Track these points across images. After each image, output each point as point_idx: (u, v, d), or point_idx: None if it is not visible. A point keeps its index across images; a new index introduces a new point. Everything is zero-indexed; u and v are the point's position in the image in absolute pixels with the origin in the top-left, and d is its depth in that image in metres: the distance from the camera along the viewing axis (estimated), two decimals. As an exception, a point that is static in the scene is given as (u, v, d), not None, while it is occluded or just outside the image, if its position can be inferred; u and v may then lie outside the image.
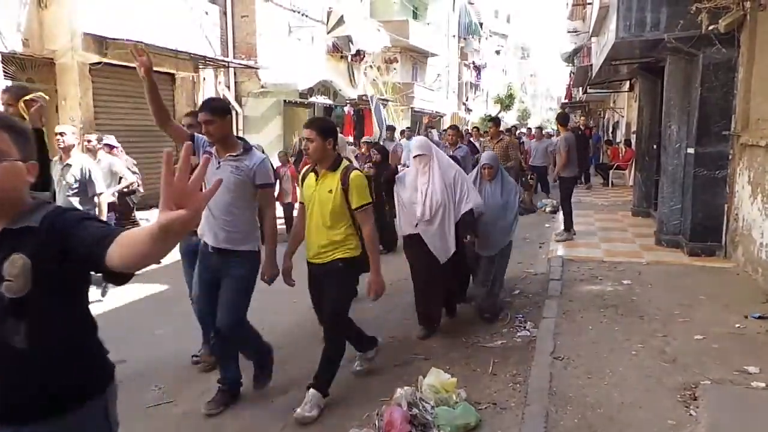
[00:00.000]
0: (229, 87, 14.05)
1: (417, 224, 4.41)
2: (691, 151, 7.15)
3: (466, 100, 38.16)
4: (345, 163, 3.47)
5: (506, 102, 42.66)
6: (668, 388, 3.55)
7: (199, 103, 12.55)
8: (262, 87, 14.31)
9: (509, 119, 43.19)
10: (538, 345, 4.31)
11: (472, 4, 37.46)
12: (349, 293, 3.57)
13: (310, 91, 16.12)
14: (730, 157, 6.83)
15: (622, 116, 18.06)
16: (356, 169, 3.47)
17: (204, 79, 12.95)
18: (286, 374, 3.88)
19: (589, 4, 15.13)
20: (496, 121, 9.78)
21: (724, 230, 6.95)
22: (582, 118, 16.77)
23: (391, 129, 13.76)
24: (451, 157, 5.38)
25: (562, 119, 9.36)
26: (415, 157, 4.43)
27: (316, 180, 3.43)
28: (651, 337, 4.41)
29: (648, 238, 8.07)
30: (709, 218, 7.00)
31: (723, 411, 3.25)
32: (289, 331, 4.73)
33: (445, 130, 11.43)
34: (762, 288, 5.59)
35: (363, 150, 9.31)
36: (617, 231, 8.92)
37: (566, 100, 31.53)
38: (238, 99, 14.27)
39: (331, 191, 3.34)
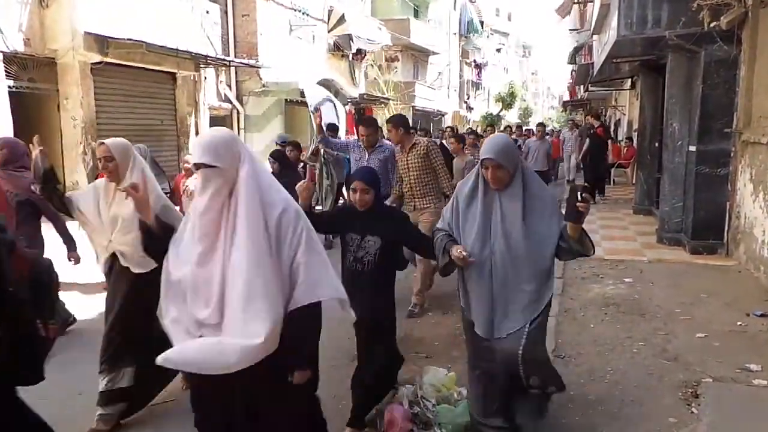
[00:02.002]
0: (230, 86, 14.05)
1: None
2: (692, 148, 7.15)
3: (468, 99, 38.12)
4: None
5: (508, 100, 42.59)
6: (670, 385, 3.56)
7: (201, 102, 12.66)
8: (264, 86, 14.30)
9: (511, 117, 43.18)
10: (539, 343, 4.30)
11: (474, 2, 37.40)
12: None
13: (311, 90, 16.12)
14: (731, 154, 6.82)
15: (624, 114, 18.04)
16: None
17: (205, 78, 12.95)
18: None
19: (590, 2, 15.10)
20: (397, 120, 5.32)
21: (725, 228, 6.94)
22: (591, 117, 15.48)
23: (333, 129, 8.73)
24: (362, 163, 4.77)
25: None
26: (198, 168, 2.04)
27: None
28: (652, 335, 4.41)
29: (649, 236, 8.07)
30: (710, 216, 7.00)
31: (724, 409, 3.25)
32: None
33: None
34: (764, 286, 5.58)
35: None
36: (619, 229, 8.92)
37: (569, 99, 31.55)
38: (239, 98, 14.29)
39: None
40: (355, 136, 7.12)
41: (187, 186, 5.52)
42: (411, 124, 6.04)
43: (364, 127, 5.74)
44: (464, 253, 2.63)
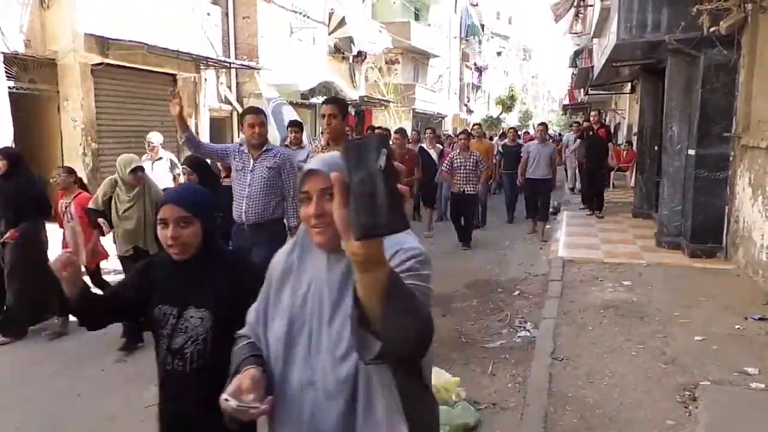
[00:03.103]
0: (230, 88, 14.08)
1: None
2: (692, 152, 7.16)
3: (468, 102, 38.17)
4: None
5: (508, 103, 42.65)
6: (668, 388, 3.56)
7: (201, 103, 12.68)
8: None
9: (511, 120, 43.23)
10: (538, 345, 4.31)
11: (475, 5, 37.49)
12: None
13: (312, 92, 16.15)
14: (730, 158, 6.83)
15: (624, 118, 18.05)
16: None
17: (206, 80, 12.97)
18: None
19: (590, 6, 15.13)
20: (336, 103, 3.94)
21: (724, 232, 6.95)
22: (593, 115, 13.42)
23: (298, 124, 6.74)
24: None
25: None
26: None
27: None
28: (651, 338, 4.41)
29: (648, 239, 8.07)
30: (709, 220, 7.01)
31: (722, 412, 3.25)
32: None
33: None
34: (762, 289, 5.59)
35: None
36: (618, 232, 8.93)
37: (568, 102, 31.57)
38: (239, 100, 14.31)
39: None
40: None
41: (68, 207, 4.76)
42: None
43: (252, 114, 4.01)
44: (232, 404, 1.19)
